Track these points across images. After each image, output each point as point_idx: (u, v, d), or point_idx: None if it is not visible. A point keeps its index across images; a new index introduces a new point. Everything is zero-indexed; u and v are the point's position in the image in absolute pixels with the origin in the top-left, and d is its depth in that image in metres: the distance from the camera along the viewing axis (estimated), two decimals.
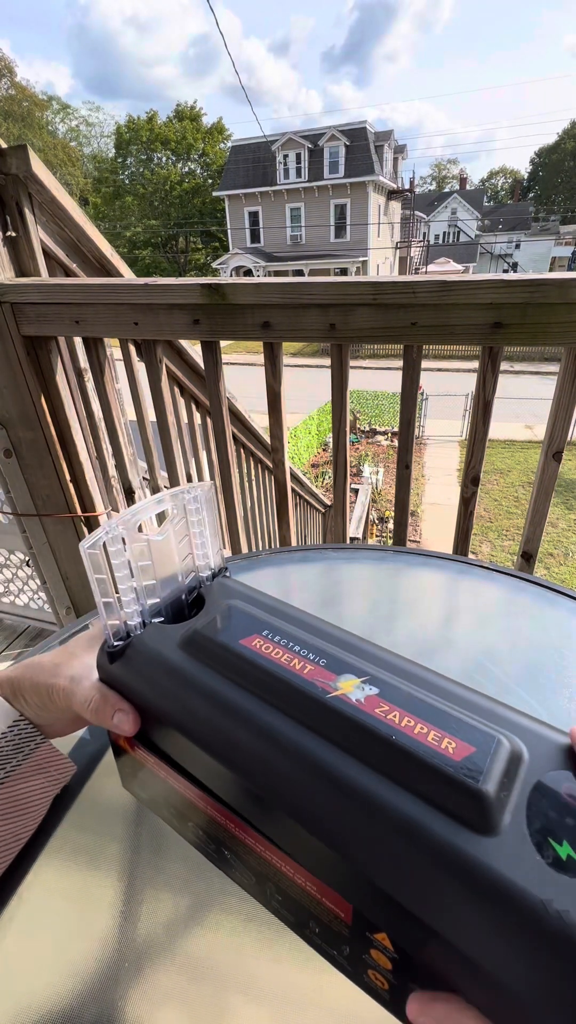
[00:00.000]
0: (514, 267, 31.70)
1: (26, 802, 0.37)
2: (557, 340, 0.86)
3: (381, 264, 26.97)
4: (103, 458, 1.43)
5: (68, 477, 1.35)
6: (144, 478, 1.54)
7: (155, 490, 1.50)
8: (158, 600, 0.34)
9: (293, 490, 2.40)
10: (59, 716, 0.37)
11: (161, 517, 0.34)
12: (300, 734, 0.25)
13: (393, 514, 1.18)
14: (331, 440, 1.17)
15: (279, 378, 1.09)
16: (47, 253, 1.18)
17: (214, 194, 30.01)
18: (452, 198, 35.07)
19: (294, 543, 1.50)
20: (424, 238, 33.98)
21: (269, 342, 1.05)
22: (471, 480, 1.07)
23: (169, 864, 0.38)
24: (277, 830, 0.26)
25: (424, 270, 28.35)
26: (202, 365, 1.16)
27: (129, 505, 1.23)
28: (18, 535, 1.48)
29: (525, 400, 12.62)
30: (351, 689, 0.26)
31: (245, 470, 2.06)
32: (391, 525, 1.88)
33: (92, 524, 1.42)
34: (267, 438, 1.36)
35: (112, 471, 1.43)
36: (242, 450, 1.99)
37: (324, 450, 11.36)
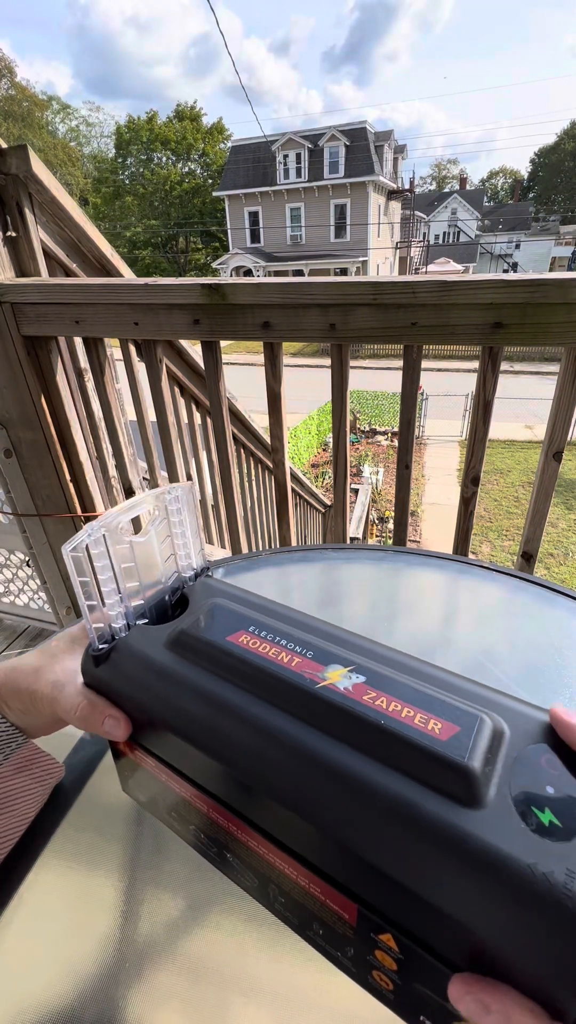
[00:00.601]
0: (514, 267, 31.70)
1: (9, 801, 0.36)
2: (557, 340, 0.86)
3: (381, 264, 26.97)
4: (103, 458, 1.43)
5: (68, 477, 1.35)
6: (144, 478, 1.54)
7: None
8: (142, 602, 0.34)
9: (293, 490, 2.40)
10: (42, 720, 0.36)
11: (137, 523, 0.34)
12: (292, 725, 0.26)
13: (393, 514, 1.18)
14: (331, 440, 1.17)
15: (279, 378, 1.09)
16: (47, 253, 1.18)
17: (214, 194, 30.00)
18: (452, 198, 35.05)
19: (294, 543, 1.50)
20: (424, 238, 33.97)
21: (269, 342, 1.05)
22: (471, 480, 1.07)
23: (169, 864, 0.38)
24: (273, 821, 0.26)
25: (424, 270, 28.36)
26: (202, 365, 1.16)
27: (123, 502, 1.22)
28: (18, 535, 1.48)
29: (525, 400, 12.62)
30: (338, 678, 0.27)
31: (245, 470, 2.06)
32: (391, 525, 1.88)
33: None
34: (267, 438, 1.36)
35: (112, 471, 1.43)
36: (242, 450, 1.99)
37: (324, 450, 11.36)
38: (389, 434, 11.71)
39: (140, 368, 1.26)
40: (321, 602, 0.67)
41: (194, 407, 1.65)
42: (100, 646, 0.32)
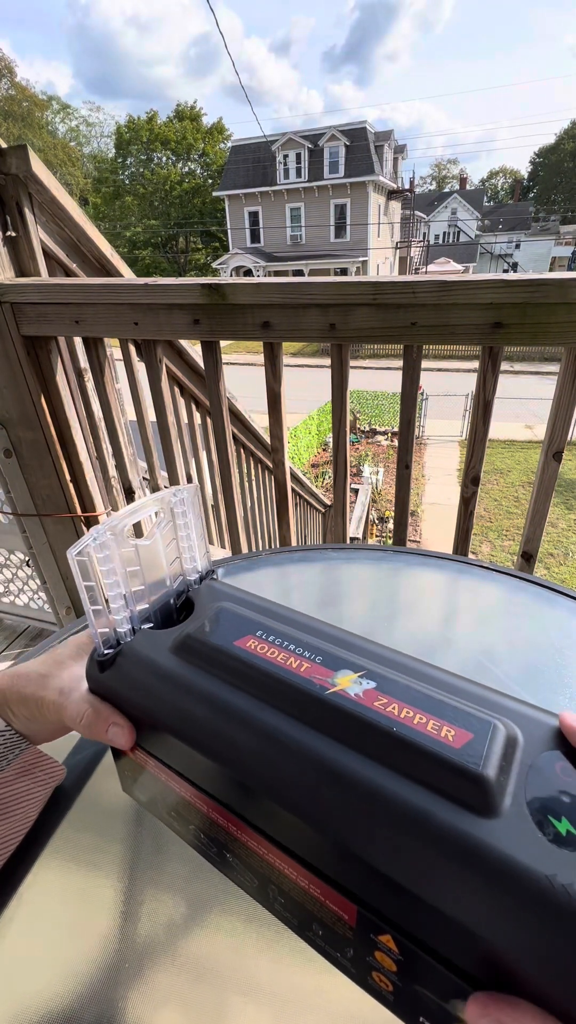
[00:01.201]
0: (514, 267, 31.70)
1: (12, 805, 0.36)
2: (557, 340, 0.86)
3: (381, 264, 26.96)
4: (103, 458, 1.43)
5: (68, 477, 1.35)
6: (144, 478, 1.54)
7: (155, 490, 1.50)
8: (147, 605, 0.34)
9: (293, 490, 2.40)
10: (48, 727, 0.36)
11: (138, 527, 0.34)
12: (302, 732, 0.25)
13: (393, 514, 1.18)
14: (331, 440, 1.16)
15: (279, 378, 1.09)
16: (47, 253, 1.18)
17: (214, 194, 29.98)
18: (452, 198, 35.04)
19: (294, 543, 1.50)
20: (424, 238, 33.96)
21: (269, 342, 1.05)
22: (471, 480, 1.07)
23: (169, 864, 0.38)
24: (283, 830, 0.26)
25: (424, 270, 28.35)
26: (202, 365, 1.16)
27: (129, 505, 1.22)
28: (18, 535, 1.48)
29: (525, 400, 12.62)
30: (349, 684, 0.27)
31: (245, 470, 2.06)
32: (391, 525, 1.88)
33: (92, 524, 1.42)
34: (267, 438, 1.36)
35: (112, 471, 1.43)
36: (242, 450, 1.99)
37: (324, 450, 11.36)
38: (389, 434, 11.71)
39: (140, 368, 1.26)
40: (321, 602, 0.67)
41: (194, 407, 1.65)
42: (105, 651, 0.31)
